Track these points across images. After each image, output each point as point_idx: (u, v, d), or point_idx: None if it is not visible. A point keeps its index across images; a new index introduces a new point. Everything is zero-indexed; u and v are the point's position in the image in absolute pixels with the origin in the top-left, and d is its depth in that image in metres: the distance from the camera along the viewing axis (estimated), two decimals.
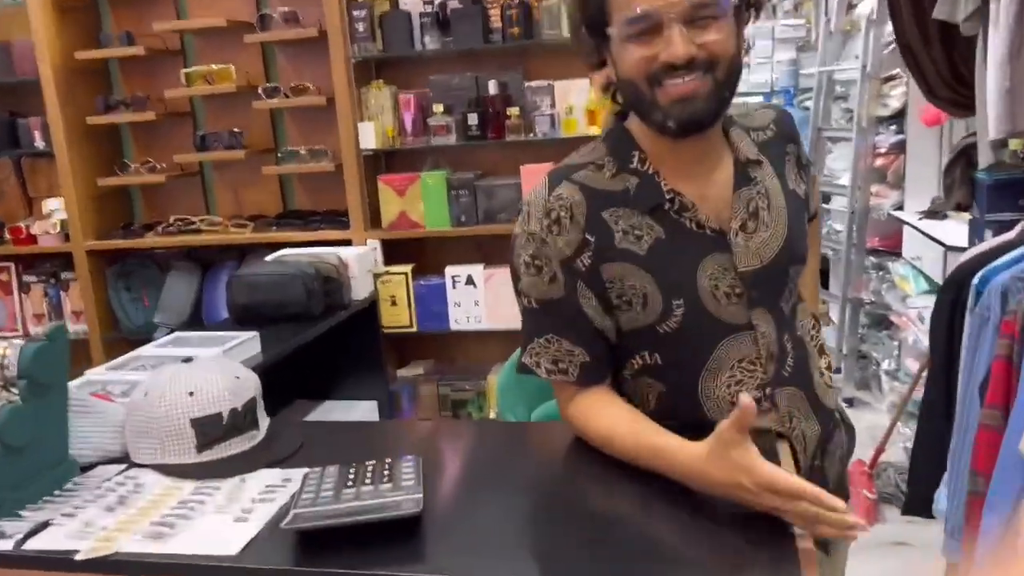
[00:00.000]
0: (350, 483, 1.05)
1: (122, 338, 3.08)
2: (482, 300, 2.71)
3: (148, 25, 2.94)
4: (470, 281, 2.70)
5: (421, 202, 2.69)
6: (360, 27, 2.61)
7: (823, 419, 1.20)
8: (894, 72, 3.31)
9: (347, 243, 2.78)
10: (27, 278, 3.23)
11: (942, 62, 2.54)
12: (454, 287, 2.72)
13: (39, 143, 3.01)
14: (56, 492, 1.14)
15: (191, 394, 1.25)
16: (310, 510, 0.99)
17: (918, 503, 2.18)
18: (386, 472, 1.07)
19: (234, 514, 1.05)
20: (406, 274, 2.76)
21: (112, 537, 1.01)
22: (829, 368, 1.28)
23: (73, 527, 1.04)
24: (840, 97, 3.94)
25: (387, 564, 0.91)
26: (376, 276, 2.75)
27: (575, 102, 2.60)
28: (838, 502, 0.88)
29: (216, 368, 1.30)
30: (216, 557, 0.96)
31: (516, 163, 2.65)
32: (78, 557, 0.98)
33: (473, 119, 2.58)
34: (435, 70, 2.73)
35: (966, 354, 1.90)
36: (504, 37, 2.56)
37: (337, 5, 2.62)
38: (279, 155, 2.87)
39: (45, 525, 1.05)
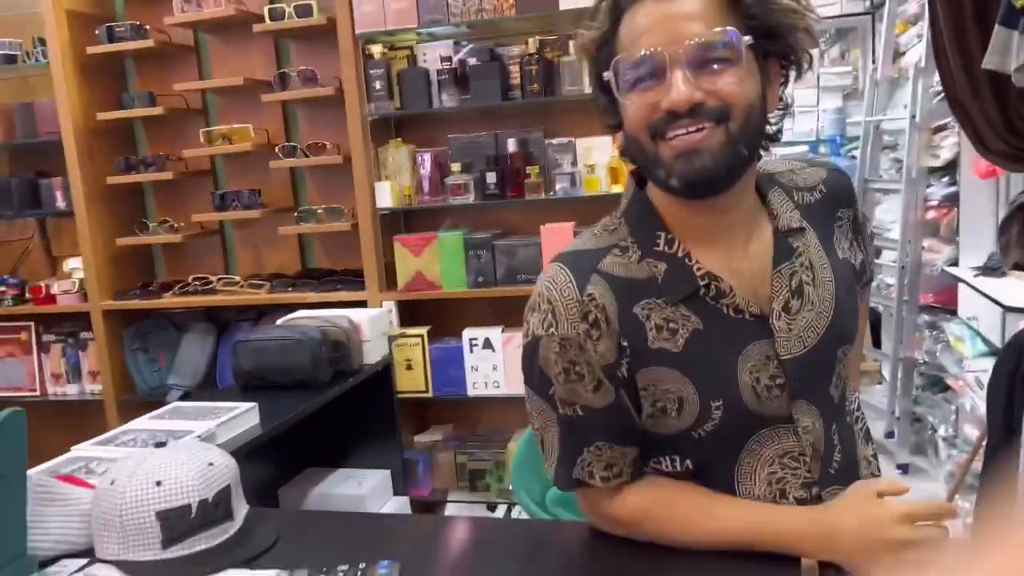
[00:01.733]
0: None
1: (137, 400, 3.00)
2: (500, 364, 2.57)
3: (166, 86, 2.92)
4: (488, 344, 2.57)
5: (438, 262, 2.58)
6: (377, 85, 2.54)
7: None
8: (945, 121, 3.16)
9: (363, 304, 2.68)
10: (46, 337, 3.17)
11: (994, 113, 2.38)
12: (471, 351, 2.59)
13: (61, 203, 2.98)
14: None
15: (158, 483, 1.14)
16: None
17: None
18: (365, 571, 0.94)
19: None
20: (422, 336, 2.64)
21: None
22: (875, 457, 1.13)
23: None
24: (888, 147, 3.79)
25: None
26: (391, 339, 2.64)
27: (597, 159, 2.48)
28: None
29: (187, 454, 1.19)
30: None
31: (536, 222, 2.53)
32: None
33: (491, 177, 2.48)
34: (453, 128, 2.65)
35: None
36: (524, 94, 2.46)
37: (353, 63, 2.55)
38: (297, 214, 2.80)
39: None
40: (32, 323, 3.17)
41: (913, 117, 3.14)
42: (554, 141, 2.54)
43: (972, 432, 2.77)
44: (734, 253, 1.00)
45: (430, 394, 2.66)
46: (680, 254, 0.98)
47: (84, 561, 1.14)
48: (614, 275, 0.98)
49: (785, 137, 1.06)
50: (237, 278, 2.97)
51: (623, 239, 1.01)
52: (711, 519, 0.98)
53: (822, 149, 5.07)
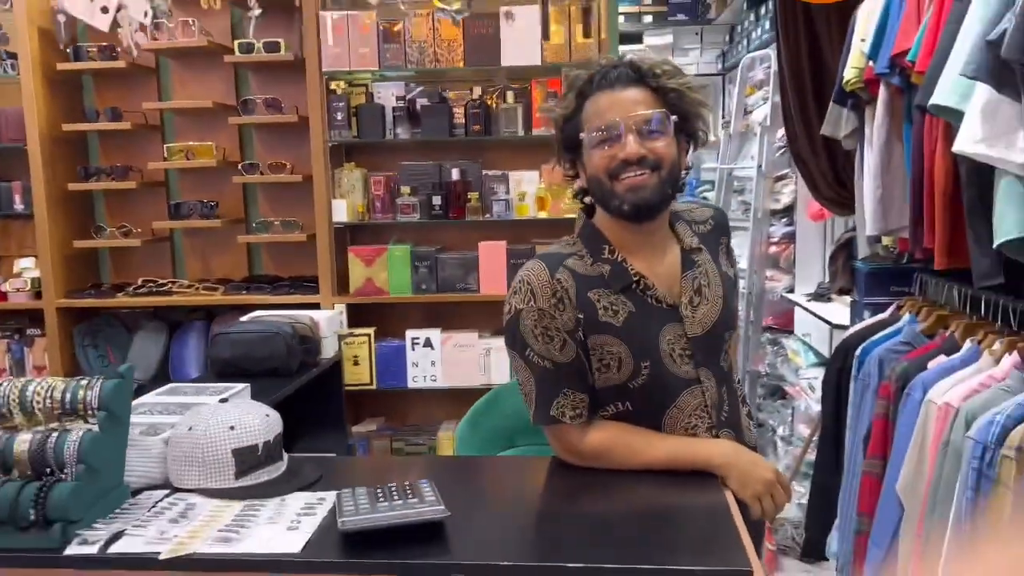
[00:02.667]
0: (381, 498, 1.26)
1: None
2: (438, 360, 2.94)
3: (127, 102, 3.14)
4: (428, 343, 2.94)
5: (386, 271, 2.93)
6: (338, 115, 2.88)
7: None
8: (785, 172, 3.76)
9: (315, 306, 2.98)
10: None
11: (826, 168, 2.97)
12: (413, 349, 2.95)
13: (19, 206, 3.12)
14: (116, 511, 1.31)
15: (232, 428, 1.44)
16: (356, 517, 1.20)
17: (813, 548, 2.48)
18: (408, 490, 1.29)
19: (285, 524, 1.25)
20: (369, 336, 2.97)
21: (186, 542, 1.19)
22: (750, 416, 1.58)
23: (149, 535, 1.21)
24: (738, 191, 4.38)
25: (419, 556, 1.13)
26: (341, 337, 2.95)
27: (527, 189, 2.92)
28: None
29: (250, 407, 1.51)
30: (283, 554, 1.15)
31: (474, 240, 2.94)
32: (161, 557, 1.15)
33: (437, 200, 2.87)
34: (403, 156, 3.02)
35: (851, 414, 2.22)
36: (467, 132, 2.87)
37: (319, 96, 2.89)
38: (254, 225, 3.07)
39: (120, 535, 1.22)
40: None
41: (760, 167, 3.72)
42: (490, 172, 2.96)
43: (804, 430, 3.34)
44: (655, 262, 1.42)
45: (374, 386, 2.99)
46: (619, 259, 1.41)
47: (166, 491, 1.43)
48: (575, 270, 1.39)
49: None
50: (188, 281, 3.19)
51: (579, 250, 1.42)
52: (653, 448, 1.38)
53: None
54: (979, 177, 1.75)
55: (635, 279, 1.39)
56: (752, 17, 4.74)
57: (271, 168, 3.02)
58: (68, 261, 3.21)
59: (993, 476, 1.60)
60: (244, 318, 2.72)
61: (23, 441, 1.24)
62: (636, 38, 5.13)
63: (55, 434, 1.25)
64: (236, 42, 2.94)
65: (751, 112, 4.14)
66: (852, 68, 2.28)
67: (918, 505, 1.80)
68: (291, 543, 1.18)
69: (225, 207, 3.20)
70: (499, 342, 2.97)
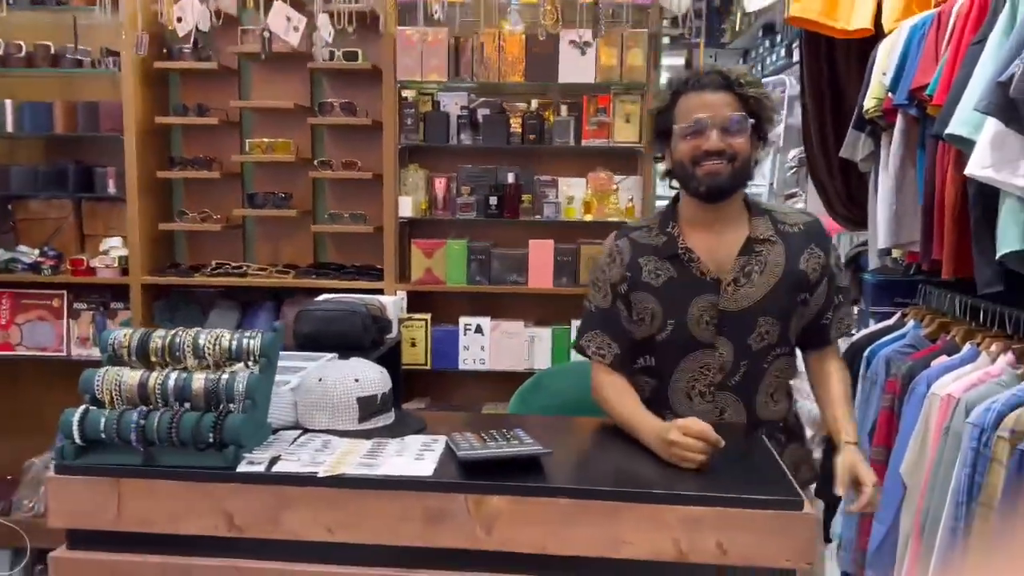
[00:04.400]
0: (488, 439, 1.50)
1: None
2: (487, 346, 3.18)
3: (211, 99, 3.39)
4: (479, 330, 3.18)
5: (445, 263, 3.17)
6: (408, 121, 3.13)
7: (752, 423, 1.66)
8: (794, 190, 3.99)
9: (378, 292, 3.22)
10: (77, 305, 3.51)
11: (841, 188, 3.18)
12: (465, 334, 3.19)
13: (112, 190, 3.36)
14: (265, 443, 1.54)
15: (356, 380, 1.68)
16: (471, 451, 1.43)
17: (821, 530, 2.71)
18: (509, 434, 1.52)
19: (412, 456, 1.48)
20: (426, 320, 3.21)
21: (335, 466, 1.43)
22: (787, 410, 1.74)
23: (303, 459, 1.45)
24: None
25: (532, 480, 1.37)
26: (401, 321, 3.19)
27: (575, 194, 3.17)
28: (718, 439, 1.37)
29: (368, 364, 1.75)
30: (419, 476, 1.38)
31: (525, 238, 3.19)
32: (320, 474, 1.39)
33: (493, 200, 3.11)
34: (464, 160, 3.26)
35: (859, 409, 2.43)
36: (523, 140, 3.12)
37: (393, 103, 3.14)
38: (327, 216, 3.32)
39: (278, 459, 1.46)
40: (64, 291, 3.50)
41: (771, 185, 3.96)
42: (542, 177, 3.20)
43: (808, 431, 3.53)
44: (714, 240, 1.63)
45: (429, 367, 3.23)
46: (676, 234, 1.64)
47: (300, 431, 1.66)
48: (635, 240, 1.66)
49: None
50: (261, 265, 3.44)
51: (651, 223, 1.69)
52: (621, 408, 1.60)
53: None
54: (985, 198, 1.96)
55: (682, 250, 1.62)
56: (767, 44, 4.97)
57: (343, 165, 3.26)
58: (151, 242, 3.45)
59: (989, 455, 1.82)
60: (319, 298, 2.95)
61: (199, 379, 1.48)
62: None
63: (225, 374, 1.49)
64: (326, 50, 3.19)
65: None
66: (872, 98, 2.45)
67: (919, 484, 2.01)
68: (422, 468, 1.41)
69: (296, 199, 3.45)
70: (543, 331, 3.21)
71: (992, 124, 1.81)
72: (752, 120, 1.58)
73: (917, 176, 2.33)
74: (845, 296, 1.70)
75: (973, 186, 1.95)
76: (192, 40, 2.54)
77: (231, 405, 1.47)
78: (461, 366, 3.21)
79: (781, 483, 1.37)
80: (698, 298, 1.60)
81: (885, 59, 2.44)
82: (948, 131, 1.99)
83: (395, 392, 3.10)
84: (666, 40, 5.15)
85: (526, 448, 1.43)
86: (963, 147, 1.96)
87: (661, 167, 1.70)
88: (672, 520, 1.30)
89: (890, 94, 2.37)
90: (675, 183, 1.66)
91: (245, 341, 1.52)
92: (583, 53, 2.93)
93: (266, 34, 2.33)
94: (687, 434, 1.39)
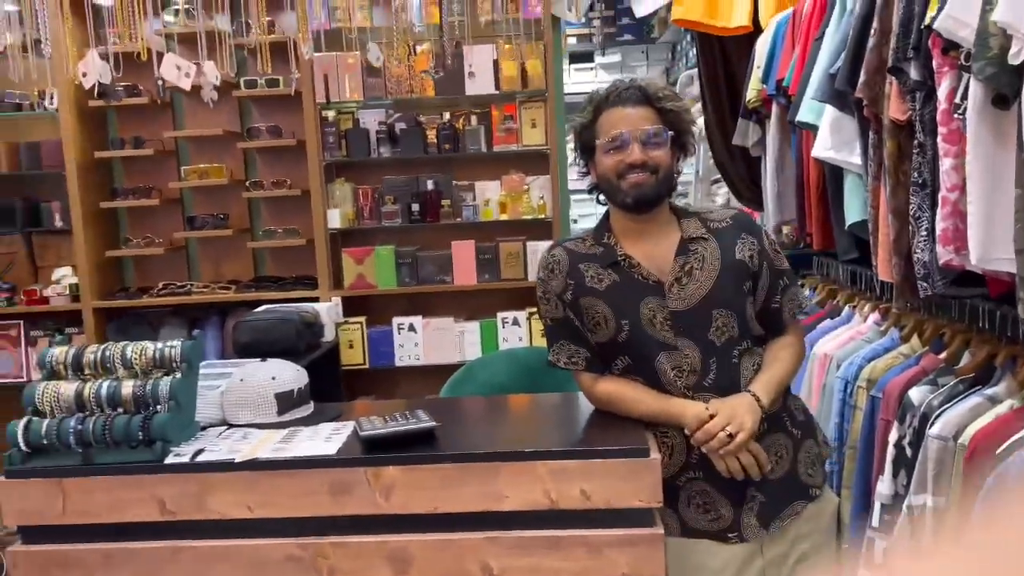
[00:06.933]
0: (390, 420, 1.67)
1: None
2: (420, 342, 3.36)
3: (146, 131, 3.51)
4: (412, 328, 3.35)
5: (375, 268, 3.35)
6: (330, 139, 3.29)
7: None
8: (718, 176, 4.20)
9: (314, 300, 3.38)
10: (34, 333, 3.61)
11: (744, 172, 3.38)
12: (399, 333, 3.36)
13: (59, 223, 3.48)
14: (193, 439, 1.70)
15: (274, 378, 1.85)
16: (372, 431, 1.61)
17: None
18: (408, 414, 1.70)
19: (322, 439, 1.64)
20: (361, 323, 3.38)
21: (252, 452, 1.60)
22: (782, 403, 1.63)
23: (224, 449, 1.62)
24: (681, 194, 4.83)
25: (422, 451, 1.55)
26: (338, 325, 3.36)
27: (491, 196, 3.36)
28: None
29: (285, 364, 1.91)
30: (324, 455, 1.55)
31: (448, 240, 3.37)
32: (236, 460, 1.56)
33: (416, 207, 3.29)
34: (385, 172, 3.44)
35: None
36: (439, 150, 3.30)
37: (314, 123, 3.30)
38: (260, 233, 3.47)
39: (201, 451, 1.62)
40: (20, 321, 3.60)
41: (697, 172, 4.17)
42: (459, 183, 3.39)
43: None
44: (650, 246, 1.60)
45: (367, 366, 3.40)
46: (613, 243, 1.61)
47: (225, 426, 1.82)
48: (571, 249, 1.63)
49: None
50: (205, 283, 3.57)
51: (585, 236, 1.71)
52: (643, 404, 1.58)
53: None
54: (836, 177, 2.19)
55: (621, 258, 1.60)
56: (689, 38, 5.14)
57: (274, 184, 3.41)
58: (99, 269, 3.57)
59: (852, 404, 2.03)
60: (257, 310, 3.11)
61: (127, 386, 1.63)
62: (588, 57, 5.30)
63: (151, 380, 1.65)
64: (242, 80, 3.34)
65: (692, 123, 4.54)
66: (752, 89, 2.61)
67: None
68: (327, 448, 1.58)
69: (233, 219, 3.59)
70: (472, 325, 3.40)
71: (831, 110, 2.00)
72: (671, 132, 1.60)
73: (792, 159, 2.51)
74: (789, 278, 1.67)
75: (826, 166, 2.14)
76: (96, 91, 2.74)
77: (158, 407, 1.63)
78: (398, 363, 3.38)
79: (632, 434, 1.57)
80: (646, 299, 1.58)
81: (760, 54, 2.61)
82: (798, 118, 2.20)
83: (336, 391, 3.30)
84: (573, 41, 5.25)
85: (419, 424, 1.61)
86: (812, 131, 2.17)
87: (588, 182, 1.70)
88: (543, 473, 1.49)
89: (764, 85, 2.57)
90: (603, 197, 1.66)
91: (167, 350, 1.68)
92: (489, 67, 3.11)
93: (160, 81, 2.48)
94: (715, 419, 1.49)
